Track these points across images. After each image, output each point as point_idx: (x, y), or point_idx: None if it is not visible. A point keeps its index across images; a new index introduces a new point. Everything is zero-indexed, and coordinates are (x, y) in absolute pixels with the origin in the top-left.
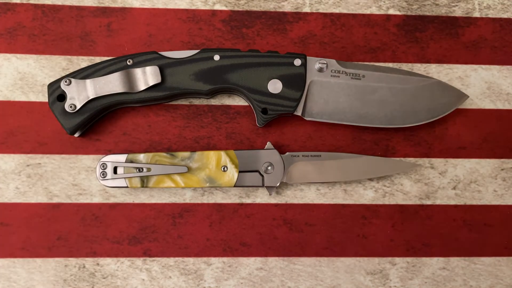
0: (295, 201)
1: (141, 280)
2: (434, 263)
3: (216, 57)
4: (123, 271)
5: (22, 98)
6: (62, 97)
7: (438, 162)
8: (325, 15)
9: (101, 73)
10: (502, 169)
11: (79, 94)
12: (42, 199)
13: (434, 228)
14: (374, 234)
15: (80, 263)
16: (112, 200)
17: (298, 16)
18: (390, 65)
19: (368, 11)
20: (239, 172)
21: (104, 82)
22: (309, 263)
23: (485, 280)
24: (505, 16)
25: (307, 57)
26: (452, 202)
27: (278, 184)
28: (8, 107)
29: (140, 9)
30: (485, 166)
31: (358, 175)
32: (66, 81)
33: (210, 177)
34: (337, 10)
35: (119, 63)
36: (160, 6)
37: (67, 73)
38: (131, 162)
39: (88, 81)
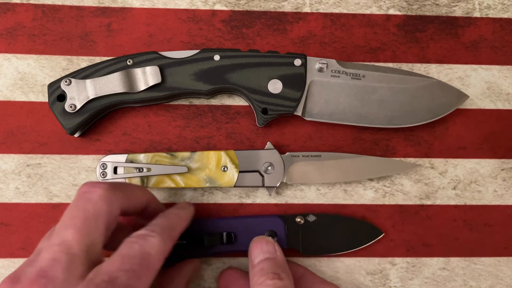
0: (295, 201)
1: None
2: (434, 263)
3: (216, 57)
4: None
5: (22, 98)
6: (62, 97)
7: (438, 162)
8: (325, 15)
9: (101, 73)
10: (502, 169)
11: (79, 94)
12: (42, 199)
13: (434, 228)
14: None
15: None
16: None
17: (298, 16)
18: (390, 65)
19: (368, 11)
20: (239, 172)
21: (104, 82)
22: (309, 264)
23: (485, 280)
24: (505, 16)
25: (307, 57)
26: (452, 202)
27: (278, 184)
28: (8, 107)
29: (140, 9)
30: (485, 166)
31: (358, 175)
32: (66, 81)
33: (210, 177)
34: (337, 10)
35: (119, 63)
36: (160, 6)
37: (67, 73)
38: (131, 162)
39: (88, 81)
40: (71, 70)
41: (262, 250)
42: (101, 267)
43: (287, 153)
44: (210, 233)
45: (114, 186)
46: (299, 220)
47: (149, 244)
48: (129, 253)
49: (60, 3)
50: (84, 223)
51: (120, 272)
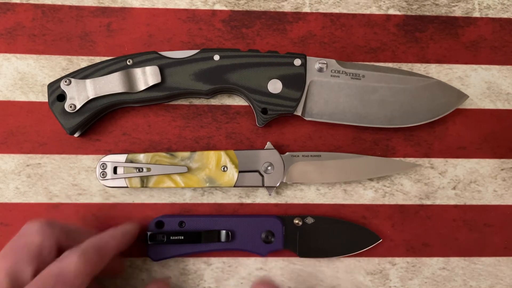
0: (295, 201)
1: (141, 280)
2: (434, 263)
3: (216, 57)
4: None
5: (22, 98)
6: (62, 97)
7: (438, 162)
8: (325, 15)
9: (101, 73)
10: (502, 169)
11: (79, 94)
12: (42, 199)
13: (434, 228)
14: None
15: None
16: (112, 200)
17: (298, 16)
18: (390, 65)
19: (368, 11)
20: (239, 172)
21: (104, 82)
22: (309, 264)
23: (485, 280)
24: (505, 16)
25: (307, 57)
26: (452, 202)
27: (278, 184)
28: (8, 107)
29: (140, 9)
30: (485, 166)
31: (358, 175)
32: (66, 81)
33: (210, 177)
34: (337, 10)
35: (119, 63)
36: (160, 6)
37: (67, 73)
38: (131, 162)
39: (88, 81)
40: (71, 70)
41: None
42: None
43: (287, 153)
44: (208, 230)
45: (52, 222)
46: (297, 221)
47: (66, 262)
48: (46, 273)
49: (60, 3)
50: (14, 253)
51: None
